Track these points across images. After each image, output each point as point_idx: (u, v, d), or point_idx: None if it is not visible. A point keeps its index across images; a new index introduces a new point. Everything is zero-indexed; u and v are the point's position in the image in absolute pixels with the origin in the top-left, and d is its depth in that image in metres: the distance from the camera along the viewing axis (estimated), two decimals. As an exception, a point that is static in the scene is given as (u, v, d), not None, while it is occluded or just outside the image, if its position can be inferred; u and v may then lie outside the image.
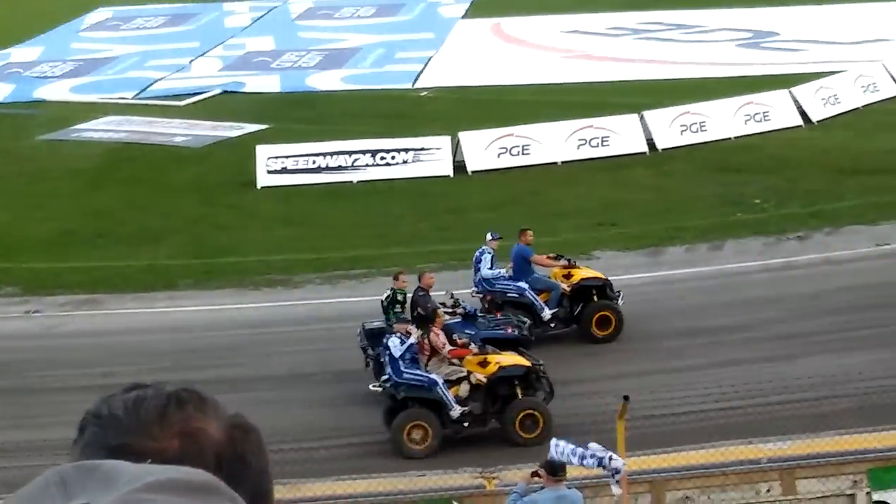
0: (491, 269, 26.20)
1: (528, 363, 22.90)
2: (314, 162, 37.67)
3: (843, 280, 28.33)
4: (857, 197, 33.84)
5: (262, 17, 59.93)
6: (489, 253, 26.28)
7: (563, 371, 24.23)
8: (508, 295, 26.02)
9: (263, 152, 37.79)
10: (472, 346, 23.30)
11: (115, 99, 47.12)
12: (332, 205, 35.88)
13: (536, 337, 25.26)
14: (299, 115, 43.87)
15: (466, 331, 23.96)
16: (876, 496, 19.24)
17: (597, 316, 26.07)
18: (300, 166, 37.57)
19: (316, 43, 54.11)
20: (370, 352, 23.94)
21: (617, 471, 16.28)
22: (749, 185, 35.11)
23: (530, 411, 22.41)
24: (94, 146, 41.82)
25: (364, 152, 37.84)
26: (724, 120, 39.23)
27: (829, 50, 47.95)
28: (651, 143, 38.45)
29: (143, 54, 53.03)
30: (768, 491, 19.65)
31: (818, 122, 40.13)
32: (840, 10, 53.14)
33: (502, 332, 24.56)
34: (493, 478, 18.66)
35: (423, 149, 37.88)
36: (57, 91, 48.81)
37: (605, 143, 38.22)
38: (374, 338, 23.95)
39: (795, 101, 40.34)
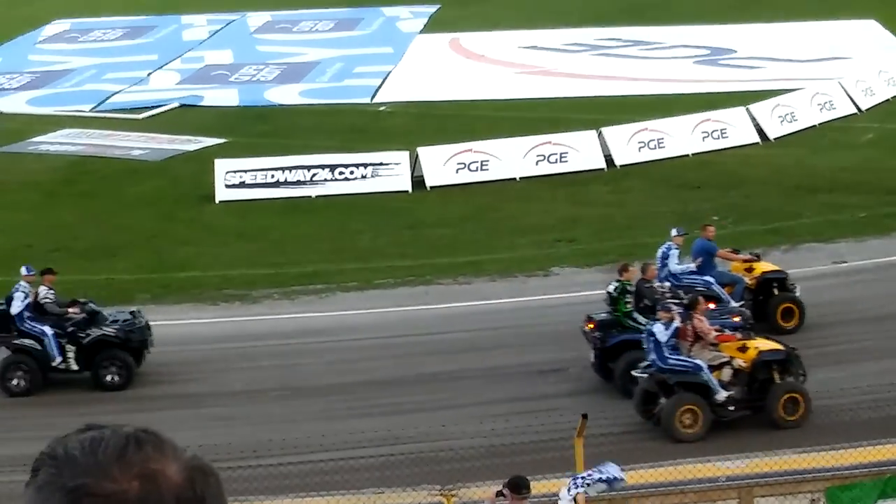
0: (679, 264, 26.97)
1: (784, 347, 23.53)
2: (273, 176, 37.60)
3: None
4: (815, 214, 34.04)
5: (220, 30, 59.71)
6: (676, 248, 27.14)
7: (528, 387, 24.17)
8: (696, 289, 26.43)
9: (222, 166, 37.69)
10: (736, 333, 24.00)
11: (72, 112, 46.84)
12: (290, 219, 35.82)
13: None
14: (258, 129, 43.76)
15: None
16: (833, 514, 19.28)
17: (781, 308, 27.08)
18: (259, 181, 37.49)
19: (274, 57, 54.01)
20: (601, 344, 24.52)
21: (616, 478, 16.64)
22: (707, 202, 35.24)
23: (792, 394, 22.99)
24: (51, 159, 41.60)
25: (323, 167, 37.81)
26: (681, 137, 39.36)
27: (786, 68, 48.18)
28: (609, 160, 38.53)
29: (100, 67, 52.76)
30: (726, 509, 19.67)
31: (775, 139, 40.30)
32: (797, 28, 53.40)
33: (729, 321, 25.07)
34: (453, 495, 18.58)
35: (381, 164, 37.86)
36: (13, 103, 48.50)
37: (563, 160, 38.30)
38: (607, 328, 24.74)
39: (753, 119, 40.52)
